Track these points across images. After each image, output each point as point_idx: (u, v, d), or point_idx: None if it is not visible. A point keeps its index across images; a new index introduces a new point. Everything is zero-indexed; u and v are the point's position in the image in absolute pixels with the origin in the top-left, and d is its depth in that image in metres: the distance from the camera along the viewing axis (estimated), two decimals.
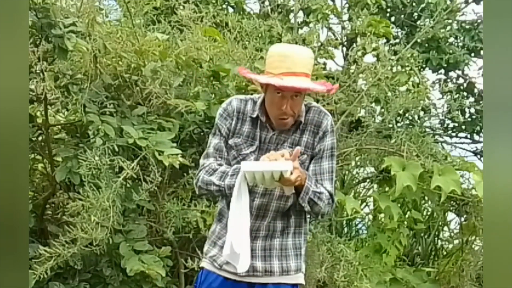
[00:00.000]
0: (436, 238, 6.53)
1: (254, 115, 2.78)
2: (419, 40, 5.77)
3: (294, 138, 2.77)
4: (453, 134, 6.79)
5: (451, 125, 6.64)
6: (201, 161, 2.85)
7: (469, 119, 6.55)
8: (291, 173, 2.61)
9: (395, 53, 5.15)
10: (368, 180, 6.25)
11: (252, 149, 2.77)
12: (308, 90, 2.75)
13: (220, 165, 2.78)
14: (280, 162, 2.61)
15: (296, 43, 5.03)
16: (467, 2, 6.28)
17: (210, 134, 2.88)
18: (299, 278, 2.84)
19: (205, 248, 2.89)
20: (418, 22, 6.17)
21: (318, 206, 2.73)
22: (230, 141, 2.79)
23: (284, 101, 2.67)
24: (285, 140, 2.77)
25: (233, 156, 2.79)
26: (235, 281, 2.77)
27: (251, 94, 2.85)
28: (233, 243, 2.65)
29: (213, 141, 2.83)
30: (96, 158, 3.79)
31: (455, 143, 6.87)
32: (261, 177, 2.61)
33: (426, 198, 5.84)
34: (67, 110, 4.34)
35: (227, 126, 2.80)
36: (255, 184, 2.67)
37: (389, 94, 5.09)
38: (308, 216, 2.88)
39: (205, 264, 2.87)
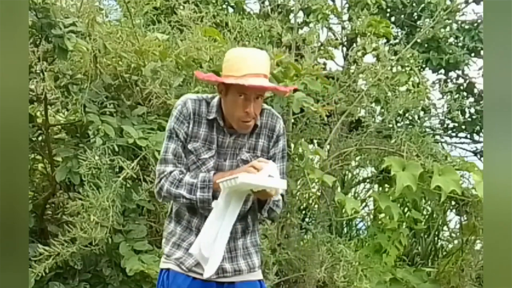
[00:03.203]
0: (436, 238, 6.53)
1: (211, 117, 2.74)
2: (419, 40, 5.77)
3: (251, 143, 2.78)
4: (453, 134, 6.78)
5: (451, 125, 6.63)
6: (159, 167, 2.78)
7: (469, 119, 6.54)
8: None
9: (395, 53, 5.15)
10: (368, 180, 6.26)
11: (211, 153, 2.75)
12: (275, 89, 2.84)
13: (182, 172, 2.74)
14: (278, 181, 2.65)
15: (296, 43, 5.03)
16: (467, 2, 6.27)
17: (165, 137, 2.79)
18: (261, 274, 2.91)
19: (166, 250, 2.83)
20: (418, 22, 6.16)
21: (275, 212, 2.83)
22: (189, 146, 2.75)
23: (248, 102, 2.65)
24: (243, 145, 2.77)
25: (192, 160, 2.75)
26: (204, 280, 2.76)
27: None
28: (205, 245, 2.64)
29: (171, 146, 2.76)
30: (96, 158, 3.80)
31: (455, 143, 6.86)
32: (247, 188, 2.62)
33: (426, 198, 5.85)
34: (67, 110, 4.34)
35: (185, 130, 2.74)
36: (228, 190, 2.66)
37: (389, 94, 5.09)
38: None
39: (171, 265, 2.81)
